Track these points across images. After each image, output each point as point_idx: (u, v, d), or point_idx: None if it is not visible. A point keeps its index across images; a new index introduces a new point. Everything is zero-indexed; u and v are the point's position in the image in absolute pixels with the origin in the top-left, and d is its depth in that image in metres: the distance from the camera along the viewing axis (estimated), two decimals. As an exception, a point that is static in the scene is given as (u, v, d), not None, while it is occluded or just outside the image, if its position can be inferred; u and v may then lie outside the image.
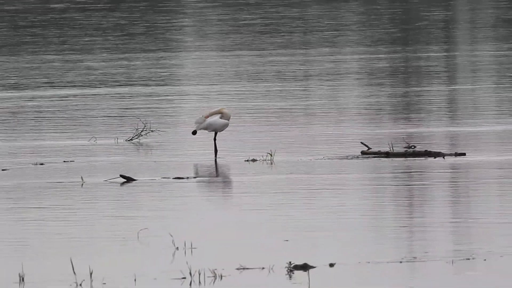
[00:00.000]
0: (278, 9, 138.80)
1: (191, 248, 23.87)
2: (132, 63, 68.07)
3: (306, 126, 47.36)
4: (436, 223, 27.57)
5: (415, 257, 22.54)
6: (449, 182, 35.04)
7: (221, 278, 20.16)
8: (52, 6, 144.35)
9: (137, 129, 41.44)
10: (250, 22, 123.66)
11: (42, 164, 38.31)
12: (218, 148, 38.29)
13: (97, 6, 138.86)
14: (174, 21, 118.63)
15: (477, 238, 26.05)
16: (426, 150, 38.49)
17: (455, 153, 37.90)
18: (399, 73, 69.98)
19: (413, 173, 36.27)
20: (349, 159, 38.02)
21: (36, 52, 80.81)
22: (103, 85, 58.47)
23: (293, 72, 69.82)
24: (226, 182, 35.90)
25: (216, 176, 36.59)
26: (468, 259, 21.83)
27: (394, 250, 24.16)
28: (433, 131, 45.59)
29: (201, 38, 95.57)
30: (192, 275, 20.13)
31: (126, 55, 72.97)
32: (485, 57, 79.40)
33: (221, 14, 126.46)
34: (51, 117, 50.67)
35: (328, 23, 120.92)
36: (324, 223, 28.06)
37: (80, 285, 20.07)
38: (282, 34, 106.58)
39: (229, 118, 38.80)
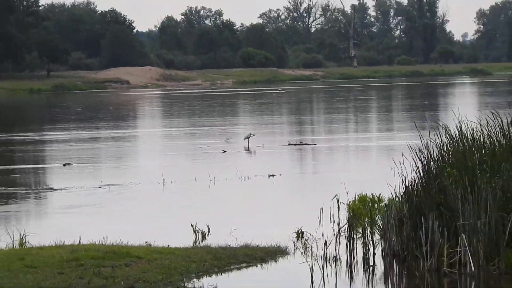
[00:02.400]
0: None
1: (240, 170, 28.32)
2: (218, 121, 62.04)
3: (270, 135, 45.97)
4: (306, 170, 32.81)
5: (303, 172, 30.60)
6: (307, 151, 37.93)
7: (248, 179, 27.29)
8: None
9: (226, 139, 41.86)
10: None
11: (201, 146, 39.61)
12: (249, 143, 38.66)
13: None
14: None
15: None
16: (306, 143, 39.95)
17: (314, 143, 39.80)
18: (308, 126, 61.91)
19: (302, 149, 37.89)
20: (283, 145, 39.35)
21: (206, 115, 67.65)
22: (212, 128, 53.06)
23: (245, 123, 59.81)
24: (253, 151, 37.65)
25: (248, 150, 37.92)
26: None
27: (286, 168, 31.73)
28: (308, 138, 43.82)
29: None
30: (241, 178, 27.34)
31: (218, 118, 67.17)
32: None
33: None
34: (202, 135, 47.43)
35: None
36: (274, 162, 33.33)
37: (228, 177, 27.09)
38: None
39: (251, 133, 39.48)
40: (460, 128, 15.91)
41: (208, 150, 38.59)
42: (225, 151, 37.44)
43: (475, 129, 16.04)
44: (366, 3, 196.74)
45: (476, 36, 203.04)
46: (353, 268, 15.49)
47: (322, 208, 17.53)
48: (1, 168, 33.75)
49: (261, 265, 15.60)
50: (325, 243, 15.96)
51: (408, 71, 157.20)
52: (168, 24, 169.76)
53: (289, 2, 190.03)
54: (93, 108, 79.47)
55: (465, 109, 22.61)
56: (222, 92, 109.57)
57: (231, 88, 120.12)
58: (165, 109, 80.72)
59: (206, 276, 14.51)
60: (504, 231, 14.60)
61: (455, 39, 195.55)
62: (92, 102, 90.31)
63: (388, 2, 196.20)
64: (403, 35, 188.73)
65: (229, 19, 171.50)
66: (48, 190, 26.84)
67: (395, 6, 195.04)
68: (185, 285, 13.93)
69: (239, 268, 15.21)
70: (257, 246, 16.57)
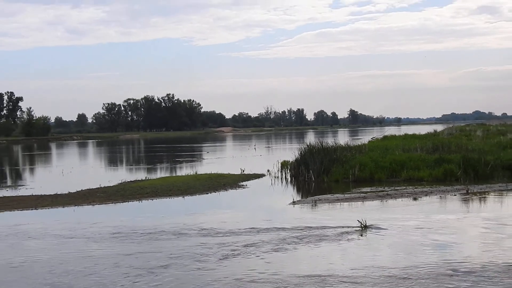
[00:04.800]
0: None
1: (251, 153, 24.88)
2: (246, 142, 46.07)
3: (260, 144, 37.34)
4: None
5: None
6: (270, 149, 30.87)
7: (253, 156, 21.91)
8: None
9: (248, 146, 35.02)
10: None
11: (241, 148, 31.96)
12: (255, 147, 32.73)
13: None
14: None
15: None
16: (269, 147, 35.18)
17: (272, 146, 35.08)
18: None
19: (269, 149, 30.67)
20: (264, 147, 32.91)
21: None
22: (245, 143, 43.94)
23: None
24: (256, 149, 30.41)
25: (255, 149, 30.67)
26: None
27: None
28: (270, 146, 35.35)
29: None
30: (252, 156, 22.59)
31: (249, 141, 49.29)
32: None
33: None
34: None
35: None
36: (261, 151, 26.84)
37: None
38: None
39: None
40: (309, 143, 15.21)
41: (244, 149, 32.42)
42: (248, 149, 31.99)
43: (315, 143, 15.22)
44: (285, 111, 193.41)
45: (313, 119, 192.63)
46: (282, 180, 14.10)
47: (273, 164, 16.90)
48: (182, 154, 28.46)
49: (258, 179, 14.33)
50: (275, 173, 15.21)
51: (294, 130, 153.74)
52: (234, 117, 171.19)
53: (265, 110, 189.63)
54: (213, 139, 72.35)
55: (311, 139, 22.38)
56: (247, 133, 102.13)
57: (250, 133, 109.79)
58: (233, 138, 73.28)
59: (243, 181, 13.50)
60: (323, 169, 14.26)
61: (309, 120, 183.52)
62: (212, 137, 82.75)
63: (288, 110, 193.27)
64: (294, 119, 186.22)
65: (252, 116, 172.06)
66: (202, 159, 23.91)
67: (292, 112, 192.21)
68: (238, 184, 12.97)
69: (251, 179, 14.09)
70: (256, 173, 15.26)
